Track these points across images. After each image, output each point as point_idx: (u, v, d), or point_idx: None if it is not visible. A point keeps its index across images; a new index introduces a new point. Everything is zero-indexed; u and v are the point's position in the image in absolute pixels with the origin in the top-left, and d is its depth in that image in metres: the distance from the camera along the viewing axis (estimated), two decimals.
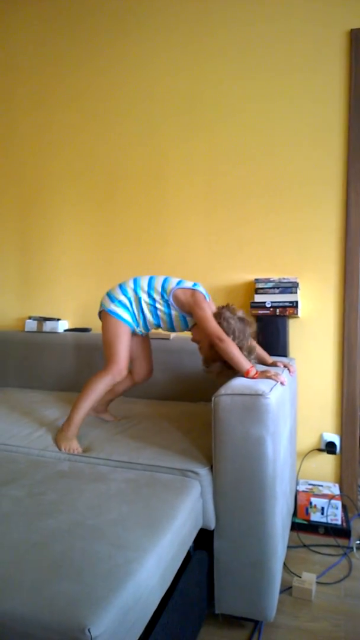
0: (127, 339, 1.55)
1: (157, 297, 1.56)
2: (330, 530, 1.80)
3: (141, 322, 1.59)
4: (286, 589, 1.48)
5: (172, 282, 1.57)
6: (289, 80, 2.07)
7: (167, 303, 1.56)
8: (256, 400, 1.20)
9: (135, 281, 1.60)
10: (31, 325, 2.40)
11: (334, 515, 1.82)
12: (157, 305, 1.56)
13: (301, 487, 1.93)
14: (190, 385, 2.03)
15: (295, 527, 1.84)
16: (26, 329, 2.40)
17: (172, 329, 1.62)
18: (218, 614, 1.31)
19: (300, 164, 2.07)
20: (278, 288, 1.96)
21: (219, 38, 2.17)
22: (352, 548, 1.73)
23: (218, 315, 1.48)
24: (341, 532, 1.79)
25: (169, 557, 0.97)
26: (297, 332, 2.09)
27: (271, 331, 1.94)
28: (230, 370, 1.46)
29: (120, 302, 1.56)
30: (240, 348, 1.43)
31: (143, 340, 1.73)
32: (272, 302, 1.95)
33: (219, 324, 1.45)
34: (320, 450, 2.07)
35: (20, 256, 2.57)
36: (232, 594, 1.26)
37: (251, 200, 2.15)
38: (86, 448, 1.43)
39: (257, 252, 2.15)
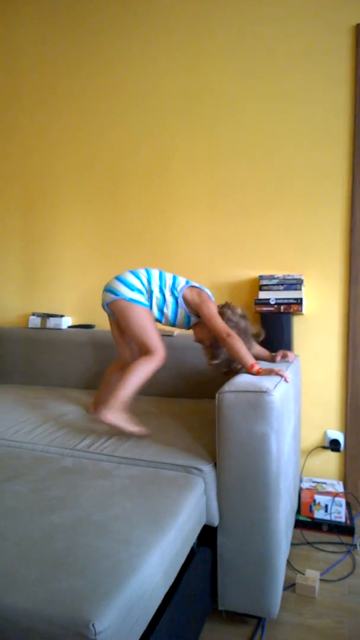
0: (154, 325, 1.55)
1: (167, 293, 1.57)
2: (334, 527, 1.80)
3: None
4: (290, 586, 1.49)
5: (182, 281, 1.60)
6: (293, 76, 2.05)
7: (175, 300, 1.57)
8: (260, 398, 1.20)
9: (148, 272, 1.59)
10: (35, 321, 2.40)
11: (338, 513, 1.82)
12: (166, 301, 1.57)
13: (305, 485, 1.93)
14: (194, 382, 2.03)
15: (298, 524, 1.84)
16: (30, 326, 2.41)
17: (173, 325, 1.63)
18: (221, 610, 1.32)
19: (305, 160, 2.06)
20: (282, 285, 1.95)
21: (219, 38, 2.15)
22: (355, 545, 1.73)
23: (221, 314, 1.52)
24: (345, 529, 1.79)
25: (173, 553, 0.97)
26: (301, 329, 2.08)
27: (275, 328, 1.93)
28: (235, 370, 1.48)
29: (138, 290, 1.56)
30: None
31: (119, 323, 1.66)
32: (276, 299, 1.94)
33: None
34: (324, 447, 2.06)
35: (23, 253, 2.57)
36: (235, 591, 1.27)
37: (254, 197, 2.14)
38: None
39: (261, 249, 2.14)
